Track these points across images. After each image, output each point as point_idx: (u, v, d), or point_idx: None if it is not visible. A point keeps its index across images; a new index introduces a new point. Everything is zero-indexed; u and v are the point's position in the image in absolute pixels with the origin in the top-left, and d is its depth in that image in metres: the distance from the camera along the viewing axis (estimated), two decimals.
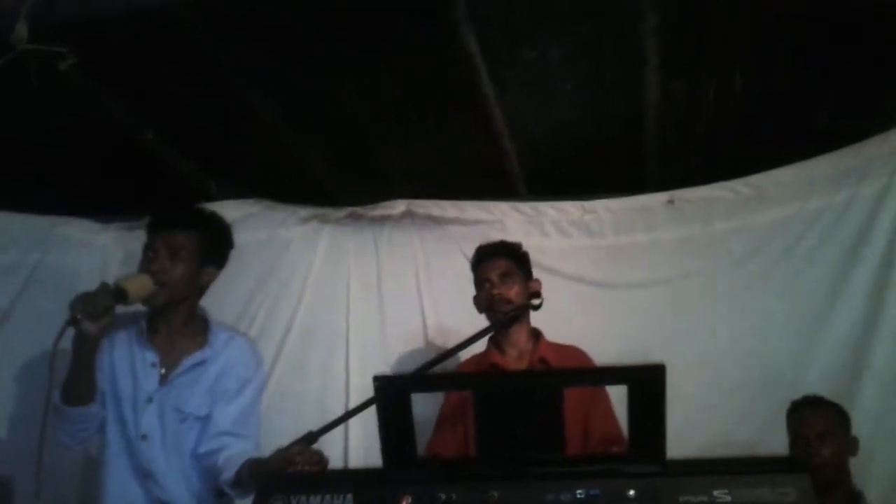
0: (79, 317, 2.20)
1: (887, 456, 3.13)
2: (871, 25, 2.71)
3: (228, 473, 2.33)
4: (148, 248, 2.48)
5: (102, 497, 2.44)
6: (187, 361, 2.49)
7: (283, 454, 2.18)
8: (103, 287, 2.27)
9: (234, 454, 2.37)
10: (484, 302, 2.92)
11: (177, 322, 2.53)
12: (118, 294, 2.27)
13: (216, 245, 2.57)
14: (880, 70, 2.95)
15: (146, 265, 2.44)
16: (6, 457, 3.07)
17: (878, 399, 3.19)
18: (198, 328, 2.57)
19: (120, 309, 2.47)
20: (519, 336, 2.94)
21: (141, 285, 2.36)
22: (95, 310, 2.23)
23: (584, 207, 3.71)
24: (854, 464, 2.87)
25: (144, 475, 2.41)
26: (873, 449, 3.05)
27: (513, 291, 2.88)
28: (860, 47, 2.82)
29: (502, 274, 2.89)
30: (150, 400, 2.44)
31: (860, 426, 2.94)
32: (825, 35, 2.76)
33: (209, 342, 2.53)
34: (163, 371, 2.48)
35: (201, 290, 2.57)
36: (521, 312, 2.86)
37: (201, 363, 2.50)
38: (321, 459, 2.16)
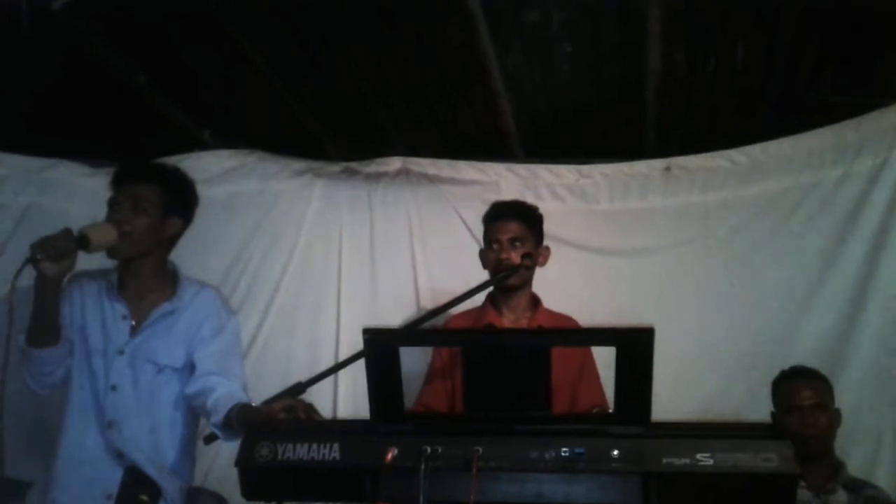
0: (38, 257, 2.23)
1: (869, 429, 3.16)
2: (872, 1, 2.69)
3: (218, 416, 2.34)
4: (112, 200, 2.50)
5: (60, 441, 2.46)
6: (156, 312, 2.51)
7: (269, 408, 2.18)
8: (65, 231, 2.30)
9: (222, 396, 2.39)
10: (490, 263, 2.89)
11: (146, 275, 2.54)
12: (80, 240, 2.29)
13: (179, 197, 2.58)
14: (880, 45, 2.93)
15: (110, 216, 2.47)
16: None
17: (862, 376, 3.21)
18: (167, 281, 2.58)
19: (93, 264, 2.54)
20: (519, 300, 2.91)
21: (104, 234, 2.38)
22: (55, 251, 2.25)
23: (580, 171, 3.69)
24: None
25: (108, 425, 2.43)
26: (857, 421, 3.09)
27: (520, 257, 2.85)
28: (861, 22, 2.79)
29: (513, 238, 2.85)
30: (121, 352, 2.47)
31: (844, 399, 2.96)
32: (827, 10, 2.73)
33: (178, 294, 2.55)
34: (133, 323, 2.51)
35: (168, 242, 2.59)
36: (515, 272, 2.84)
37: (170, 313, 2.52)
38: (307, 410, 2.15)
